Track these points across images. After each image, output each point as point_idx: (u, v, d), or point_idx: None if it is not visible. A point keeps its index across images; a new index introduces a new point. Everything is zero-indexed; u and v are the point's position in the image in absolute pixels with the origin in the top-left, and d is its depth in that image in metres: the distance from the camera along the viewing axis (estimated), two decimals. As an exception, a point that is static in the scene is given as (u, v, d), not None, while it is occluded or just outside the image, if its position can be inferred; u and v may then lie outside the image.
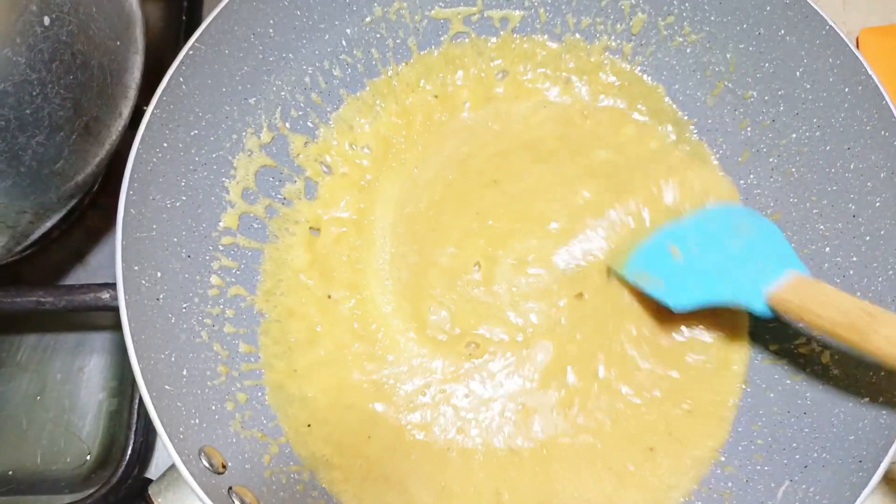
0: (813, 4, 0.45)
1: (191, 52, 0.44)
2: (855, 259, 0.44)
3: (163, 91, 0.42)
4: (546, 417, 0.44)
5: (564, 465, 0.44)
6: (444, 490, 0.43)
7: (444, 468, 0.44)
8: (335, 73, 0.52)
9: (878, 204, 0.43)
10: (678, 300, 0.43)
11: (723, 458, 0.43)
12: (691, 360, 0.46)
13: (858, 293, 0.43)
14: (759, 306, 0.40)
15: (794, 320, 0.39)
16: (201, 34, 0.44)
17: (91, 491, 0.46)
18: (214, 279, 0.45)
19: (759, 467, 0.42)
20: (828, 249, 0.45)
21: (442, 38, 0.54)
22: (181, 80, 0.44)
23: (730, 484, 0.42)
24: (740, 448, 0.43)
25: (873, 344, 0.35)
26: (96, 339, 0.55)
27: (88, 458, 0.53)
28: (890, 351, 0.34)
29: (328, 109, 0.52)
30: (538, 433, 0.44)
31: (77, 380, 0.55)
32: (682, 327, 0.47)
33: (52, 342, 0.55)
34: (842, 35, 0.44)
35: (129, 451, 0.48)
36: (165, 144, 0.43)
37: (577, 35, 0.54)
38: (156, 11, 0.64)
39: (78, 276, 0.57)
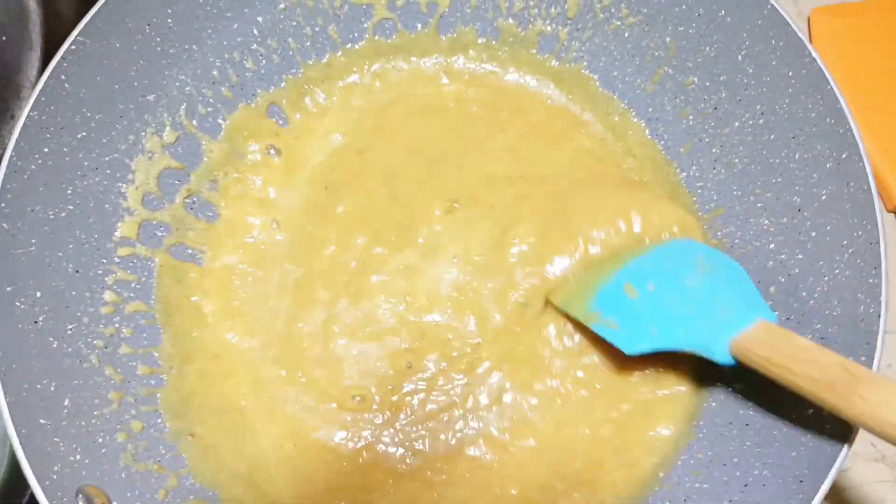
0: (753, -18, 0.42)
1: (73, 48, 0.40)
2: (801, 256, 0.41)
3: (40, 92, 0.38)
4: (476, 446, 0.41)
5: (494, 485, 0.40)
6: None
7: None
8: (247, 65, 0.48)
9: (823, 197, 0.40)
10: (631, 344, 0.39)
11: (661, 475, 0.40)
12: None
13: (803, 292, 0.40)
14: (721, 356, 0.36)
15: (761, 371, 0.34)
16: (85, 27, 0.40)
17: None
18: (108, 295, 0.41)
19: (697, 485, 0.39)
20: (773, 246, 0.42)
21: (365, 25, 0.50)
22: (63, 78, 0.39)
23: (667, 503, 0.39)
24: (680, 463, 0.40)
25: (854, 408, 0.30)
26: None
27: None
28: (873, 418, 0.29)
29: (239, 105, 0.48)
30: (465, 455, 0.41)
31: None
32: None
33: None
34: (784, 14, 0.41)
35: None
36: (46, 150, 0.39)
37: (511, 20, 0.50)
38: (70, 3, 0.59)
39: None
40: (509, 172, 0.47)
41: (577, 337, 0.43)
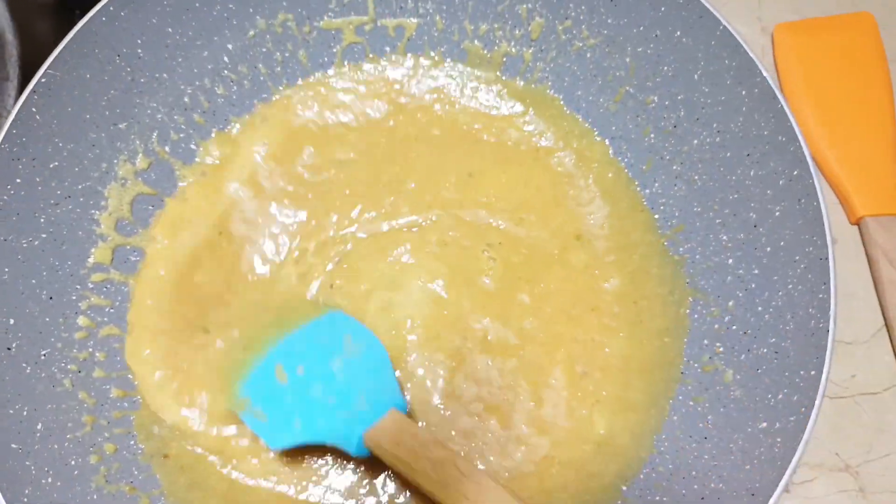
0: (706, 4, 0.43)
1: (43, 80, 0.41)
2: (757, 272, 0.42)
3: (10, 123, 0.40)
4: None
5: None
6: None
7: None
8: (218, 91, 0.49)
9: (777, 213, 0.41)
10: (276, 439, 0.38)
11: (623, 488, 0.41)
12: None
13: (759, 307, 0.41)
14: (357, 449, 0.37)
15: (391, 466, 0.35)
16: (55, 59, 0.41)
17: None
18: (82, 320, 0.42)
19: (657, 498, 0.39)
20: (731, 261, 0.43)
21: (335, 50, 0.51)
22: (34, 110, 0.41)
23: (629, 516, 0.40)
24: (642, 476, 0.41)
25: (457, 500, 0.31)
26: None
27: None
28: None
29: (213, 131, 0.49)
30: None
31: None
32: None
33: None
34: (736, 35, 0.42)
35: None
36: (18, 180, 0.40)
37: (476, 42, 0.51)
38: (43, 31, 0.61)
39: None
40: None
41: None
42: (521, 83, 0.51)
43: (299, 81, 0.51)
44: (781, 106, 0.41)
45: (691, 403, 0.42)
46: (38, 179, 0.41)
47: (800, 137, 0.40)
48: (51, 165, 0.42)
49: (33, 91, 0.41)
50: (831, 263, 0.38)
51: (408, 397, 0.42)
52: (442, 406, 0.42)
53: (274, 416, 0.38)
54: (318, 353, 0.40)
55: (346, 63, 0.51)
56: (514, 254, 0.46)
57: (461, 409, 0.42)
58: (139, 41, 0.45)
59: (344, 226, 0.47)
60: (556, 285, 0.46)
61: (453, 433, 0.42)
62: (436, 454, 0.33)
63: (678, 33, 0.45)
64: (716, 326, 0.42)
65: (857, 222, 0.50)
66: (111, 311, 0.44)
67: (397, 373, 0.42)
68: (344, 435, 0.37)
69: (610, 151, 0.49)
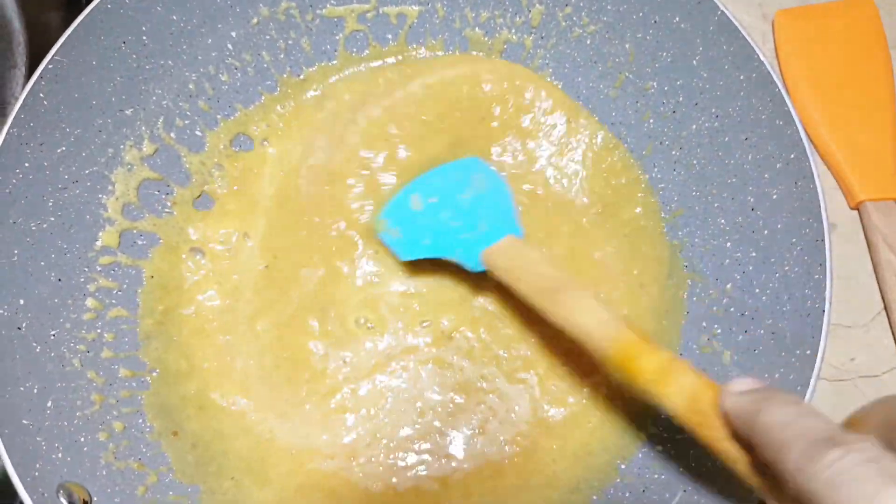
0: (705, -11, 0.43)
1: (50, 67, 0.42)
2: (754, 255, 0.42)
3: (19, 109, 0.40)
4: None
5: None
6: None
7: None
8: (223, 79, 0.49)
9: (774, 196, 0.41)
10: (407, 252, 0.45)
11: (623, 467, 0.42)
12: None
13: (757, 289, 0.41)
14: (474, 265, 0.42)
15: (501, 280, 0.40)
16: (61, 46, 0.42)
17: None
18: (90, 302, 0.43)
19: (656, 476, 0.40)
20: (729, 244, 0.44)
21: (337, 38, 0.52)
22: (41, 96, 0.41)
23: (627, 494, 0.41)
24: (640, 455, 0.42)
25: (558, 308, 0.36)
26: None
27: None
28: (566, 319, 0.36)
29: (218, 117, 0.50)
30: None
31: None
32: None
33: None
34: (734, 20, 0.42)
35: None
36: (27, 164, 0.41)
37: (478, 29, 0.52)
38: (53, 21, 0.61)
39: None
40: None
41: None
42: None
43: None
44: (779, 90, 0.41)
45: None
46: (45, 164, 0.42)
47: (796, 120, 0.40)
48: (58, 150, 0.43)
49: (40, 77, 0.41)
50: (827, 245, 0.38)
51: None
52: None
53: (407, 234, 0.45)
54: (450, 186, 0.46)
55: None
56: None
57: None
58: (144, 28, 0.45)
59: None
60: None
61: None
62: (545, 271, 0.38)
63: (677, 19, 0.45)
64: (714, 308, 0.43)
65: (857, 207, 0.51)
66: (119, 293, 0.44)
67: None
68: (465, 252, 0.43)
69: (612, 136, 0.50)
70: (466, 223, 0.44)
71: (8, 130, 0.40)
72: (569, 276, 0.38)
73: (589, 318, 0.35)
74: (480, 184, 0.45)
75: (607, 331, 0.35)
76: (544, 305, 0.37)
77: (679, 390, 0.31)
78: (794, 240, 0.40)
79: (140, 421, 0.42)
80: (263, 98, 0.51)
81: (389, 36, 0.52)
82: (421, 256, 0.44)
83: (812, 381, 0.36)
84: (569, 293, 0.37)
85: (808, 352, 0.37)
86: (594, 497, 0.41)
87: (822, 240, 0.38)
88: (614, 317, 0.35)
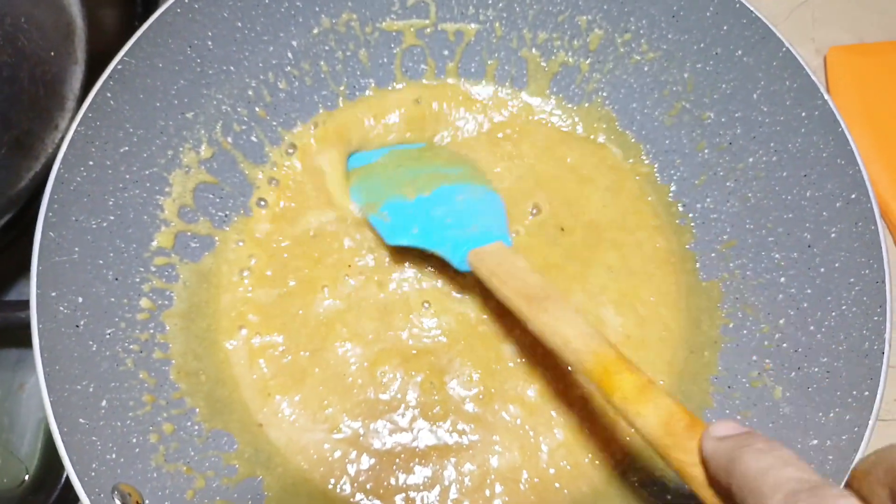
0: (770, 25, 0.43)
1: (119, 67, 0.42)
2: (809, 291, 0.42)
3: (87, 108, 0.41)
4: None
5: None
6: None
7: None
8: (281, 86, 0.50)
9: (833, 235, 0.42)
10: (394, 236, 0.45)
11: (668, 497, 0.42)
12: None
13: (812, 327, 0.41)
14: (460, 264, 0.42)
15: (485, 283, 0.41)
16: (131, 48, 0.42)
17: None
18: (145, 302, 0.43)
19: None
20: (783, 280, 0.44)
21: (395, 51, 0.52)
22: (108, 95, 0.42)
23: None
24: (687, 490, 0.41)
25: (539, 318, 0.36)
26: (39, 356, 0.53)
27: (26, 478, 0.51)
28: (548, 326, 0.36)
29: (274, 124, 0.50)
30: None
31: (17, 397, 0.53)
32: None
33: (-8, 357, 0.53)
34: (798, 58, 0.43)
35: (64, 476, 0.47)
36: (91, 163, 0.41)
37: (534, 50, 0.52)
38: (108, 18, 0.62)
39: (21, 291, 0.55)
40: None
41: None
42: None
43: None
44: (842, 129, 0.41)
45: (739, 417, 0.42)
46: (108, 163, 0.42)
47: (859, 161, 0.40)
48: (121, 150, 0.43)
49: (109, 77, 0.42)
50: (888, 286, 0.38)
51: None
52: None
53: (396, 220, 0.46)
54: (449, 190, 0.47)
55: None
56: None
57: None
58: (210, 33, 0.46)
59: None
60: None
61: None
62: (529, 279, 0.38)
63: (739, 52, 0.45)
64: (765, 343, 0.43)
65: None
66: (171, 294, 0.45)
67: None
68: (452, 249, 0.43)
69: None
70: (458, 222, 0.45)
71: (76, 129, 0.40)
72: (554, 287, 0.38)
73: (572, 329, 0.35)
74: (476, 192, 0.47)
75: (589, 343, 0.34)
76: (527, 311, 0.37)
77: (654, 411, 0.31)
78: (851, 279, 0.40)
79: (189, 423, 0.42)
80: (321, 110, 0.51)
81: (446, 52, 0.52)
82: (407, 244, 0.45)
83: (871, 423, 0.36)
84: (553, 302, 0.37)
85: (867, 392, 0.37)
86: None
87: (883, 281, 0.38)
88: (597, 332, 0.35)
